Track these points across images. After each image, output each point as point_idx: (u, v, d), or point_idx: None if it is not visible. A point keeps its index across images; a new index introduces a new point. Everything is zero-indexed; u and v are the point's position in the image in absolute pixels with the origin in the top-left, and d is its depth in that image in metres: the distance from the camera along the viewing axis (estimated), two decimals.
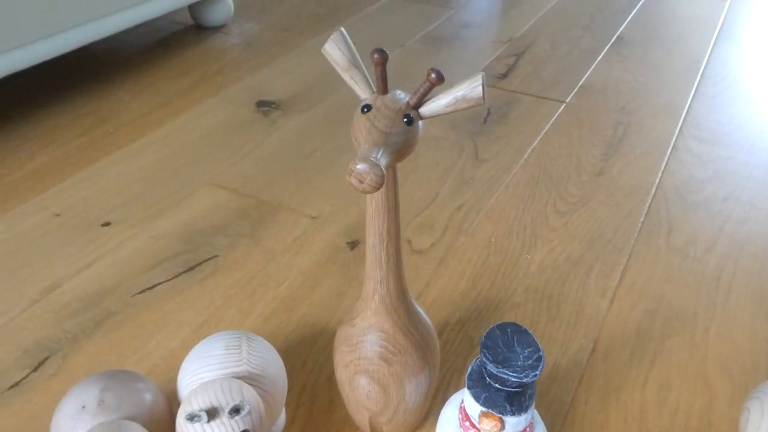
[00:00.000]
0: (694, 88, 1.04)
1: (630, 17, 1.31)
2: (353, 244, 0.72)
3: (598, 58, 1.14)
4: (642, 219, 0.76)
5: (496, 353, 0.38)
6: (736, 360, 0.58)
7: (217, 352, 0.46)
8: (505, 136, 0.92)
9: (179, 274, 0.68)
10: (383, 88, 0.37)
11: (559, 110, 0.98)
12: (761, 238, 0.73)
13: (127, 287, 0.66)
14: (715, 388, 0.56)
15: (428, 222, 0.75)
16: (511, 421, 0.38)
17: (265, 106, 1.00)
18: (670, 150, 0.89)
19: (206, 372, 0.45)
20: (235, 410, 0.40)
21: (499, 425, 0.38)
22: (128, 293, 0.65)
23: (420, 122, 0.38)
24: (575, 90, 1.04)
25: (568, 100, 1.01)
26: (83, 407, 0.43)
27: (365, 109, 0.37)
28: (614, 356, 0.59)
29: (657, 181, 0.82)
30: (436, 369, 0.48)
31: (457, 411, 0.42)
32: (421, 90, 0.36)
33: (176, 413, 0.44)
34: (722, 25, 1.27)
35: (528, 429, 0.40)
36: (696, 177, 0.83)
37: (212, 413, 0.40)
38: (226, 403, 0.41)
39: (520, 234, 0.73)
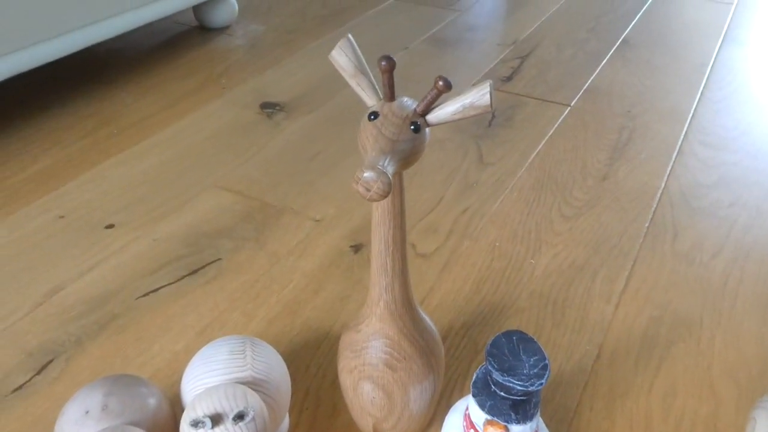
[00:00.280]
0: (699, 93, 1.04)
1: (635, 20, 1.31)
2: (357, 248, 0.71)
3: (603, 62, 1.14)
4: (647, 224, 0.75)
5: (501, 361, 0.38)
6: (743, 367, 0.58)
7: (221, 357, 0.46)
8: (510, 140, 0.92)
9: (183, 277, 0.68)
10: (390, 95, 0.37)
11: (564, 114, 0.98)
12: None
13: (130, 290, 0.66)
14: (721, 395, 0.55)
15: (432, 226, 0.75)
16: (516, 429, 0.38)
17: (269, 107, 0.99)
18: (675, 154, 0.88)
19: (210, 377, 0.45)
20: (240, 417, 0.40)
21: None
22: (132, 296, 0.65)
23: (427, 129, 0.38)
24: (580, 93, 1.04)
25: (573, 103, 1.01)
26: (87, 412, 0.43)
27: (372, 117, 0.37)
28: (619, 362, 0.58)
29: (662, 185, 0.82)
30: (440, 376, 0.48)
31: (461, 418, 0.42)
32: (429, 97, 0.36)
33: (179, 418, 0.44)
34: (728, 29, 1.27)
35: None
36: (701, 182, 0.83)
37: (216, 419, 0.40)
38: (230, 409, 0.41)
39: (524, 238, 0.73)
